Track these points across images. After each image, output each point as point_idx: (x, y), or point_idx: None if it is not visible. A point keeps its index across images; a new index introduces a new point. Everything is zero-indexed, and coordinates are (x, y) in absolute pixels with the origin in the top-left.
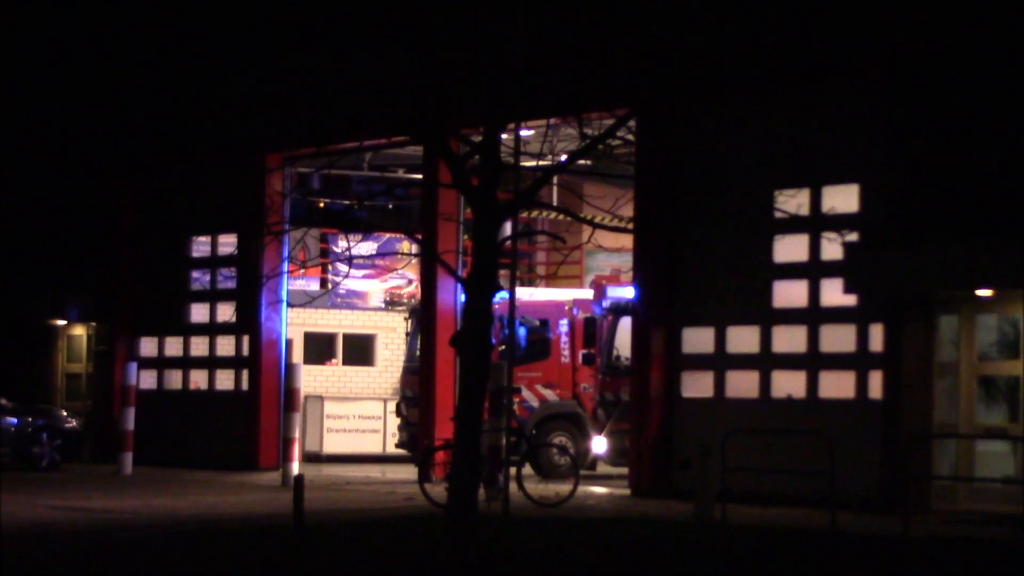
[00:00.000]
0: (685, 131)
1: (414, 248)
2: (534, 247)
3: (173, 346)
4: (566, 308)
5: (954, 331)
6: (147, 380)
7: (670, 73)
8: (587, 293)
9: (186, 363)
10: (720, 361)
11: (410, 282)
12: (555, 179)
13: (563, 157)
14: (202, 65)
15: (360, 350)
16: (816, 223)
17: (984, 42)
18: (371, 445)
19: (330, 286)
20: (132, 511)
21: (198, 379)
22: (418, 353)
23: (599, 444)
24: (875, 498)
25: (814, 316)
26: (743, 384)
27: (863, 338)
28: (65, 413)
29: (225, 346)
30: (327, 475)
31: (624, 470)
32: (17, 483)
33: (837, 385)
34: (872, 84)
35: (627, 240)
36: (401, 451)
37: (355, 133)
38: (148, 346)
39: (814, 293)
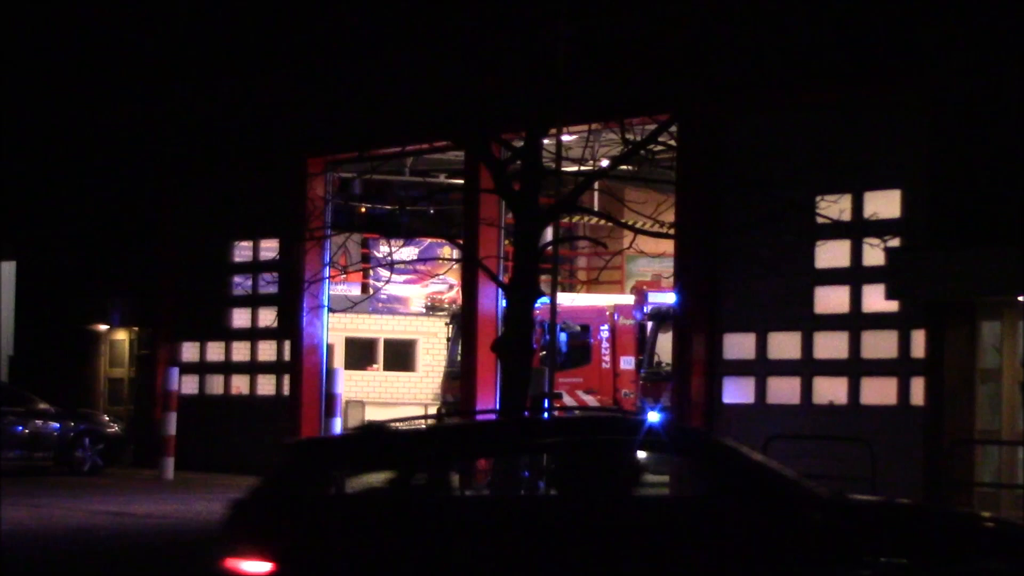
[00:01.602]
0: (727, 136)
1: (455, 253)
2: (575, 252)
3: (215, 351)
4: (607, 314)
5: (996, 337)
6: (189, 385)
7: (712, 79)
8: (628, 299)
9: (228, 368)
10: (761, 367)
11: (451, 287)
12: (596, 184)
13: (605, 162)
14: (245, 70)
15: (401, 355)
16: (858, 228)
17: (1022, 48)
18: None
19: (371, 291)
20: (174, 516)
21: (240, 384)
22: (459, 358)
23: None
24: None
25: (856, 322)
26: (784, 390)
27: (905, 344)
28: (107, 417)
29: (267, 351)
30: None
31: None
32: (59, 487)
33: (879, 391)
34: (914, 90)
35: (668, 245)
36: None
37: (397, 138)
38: (190, 351)
39: (856, 299)
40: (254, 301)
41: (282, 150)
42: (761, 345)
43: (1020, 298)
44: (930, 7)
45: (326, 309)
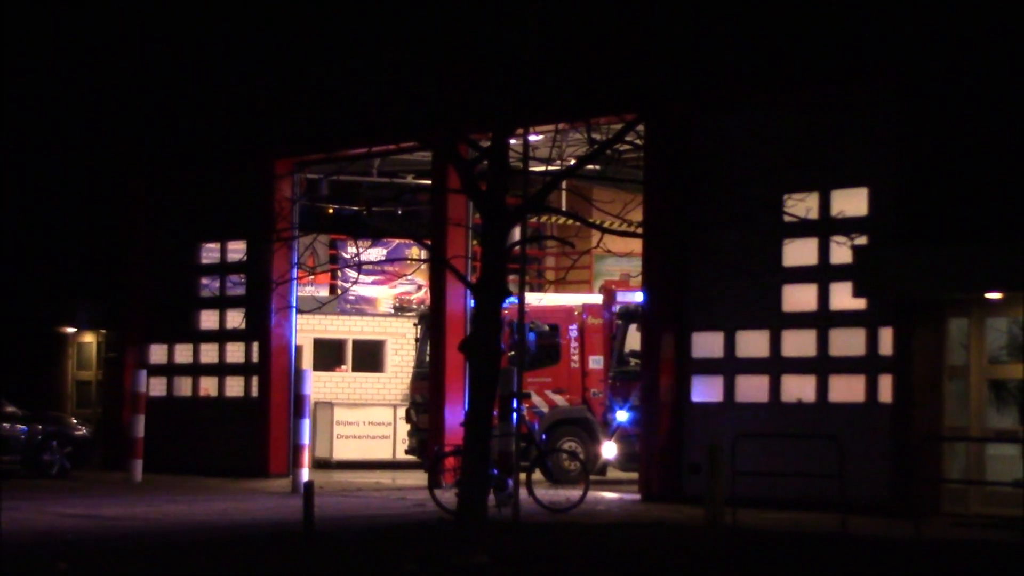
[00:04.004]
0: (694, 135)
1: (423, 254)
2: (543, 252)
3: (183, 353)
4: (575, 313)
5: (964, 334)
6: (157, 387)
7: (678, 78)
8: (597, 298)
9: (196, 370)
10: (730, 365)
11: (419, 288)
12: (564, 184)
13: (572, 162)
14: (211, 71)
15: (370, 356)
16: (825, 227)
17: (992, 46)
18: (381, 451)
19: (339, 292)
20: (142, 518)
21: (208, 386)
22: (428, 359)
23: (609, 449)
24: (885, 502)
25: (823, 320)
26: (753, 388)
27: (872, 341)
28: (75, 420)
29: (235, 353)
30: (337, 481)
31: (634, 475)
32: (27, 490)
33: (847, 389)
34: (881, 88)
35: (636, 245)
36: (411, 457)
37: (364, 139)
38: (158, 353)
39: (823, 297)
40: (222, 303)
41: (249, 151)
42: (729, 343)
43: (987, 295)
44: (898, 6)
45: (294, 310)
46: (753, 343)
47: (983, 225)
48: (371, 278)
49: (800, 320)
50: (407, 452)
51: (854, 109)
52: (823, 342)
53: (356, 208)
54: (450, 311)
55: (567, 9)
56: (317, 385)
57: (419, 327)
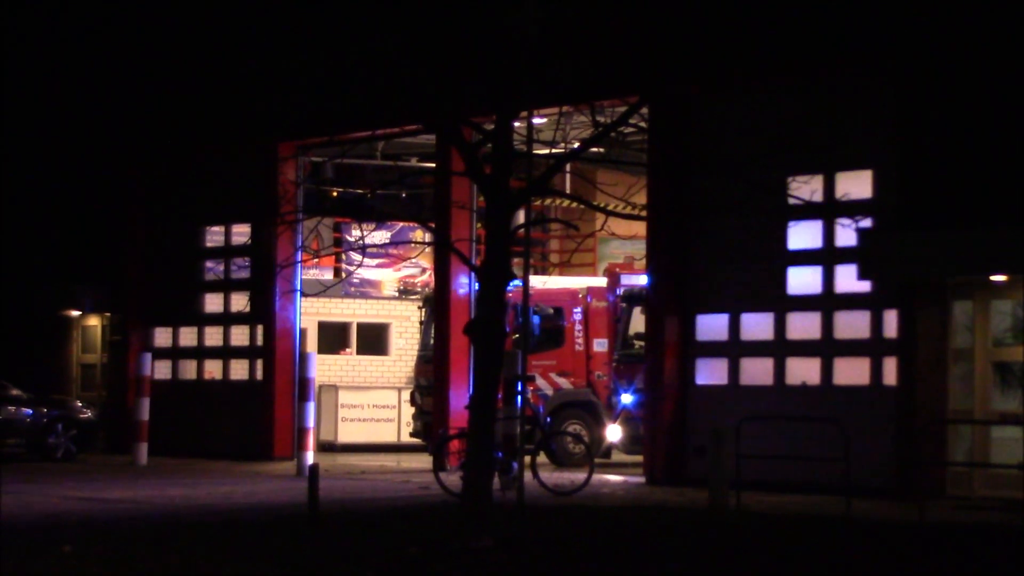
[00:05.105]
0: (698, 118)
1: (427, 237)
2: (547, 235)
3: (187, 336)
4: (580, 296)
5: (968, 317)
6: (161, 370)
7: (682, 60)
8: (601, 281)
9: (200, 353)
10: (734, 348)
11: (424, 271)
12: (568, 167)
13: (576, 144)
14: (214, 54)
15: (374, 339)
16: (830, 209)
17: (994, 29)
18: (386, 434)
19: (344, 275)
20: (147, 501)
21: (212, 369)
22: (432, 342)
23: (613, 432)
24: (890, 485)
25: (828, 302)
26: (757, 371)
27: (877, 324)
28: (80, 404)
29: (239, 336)
30: (342, 464)
31: (639, 458)
32: (33, 474)
33: (851, 371)
34: (885, 70)
35: (640, 227)
36: (416, 440)
37: (368, 121)
38: (162, 336)
39: (828, 279)
40: (226, 286)
41: (253, 134)
42: (734, 326)
43: (992, 278)
44: None
45: (298, 293)
46: (758, 326)
47: (988, 208)
48: (375, 261)
49: (805, 303)
50: (412, 435)
51: (857, 91)
52: (828, 325)
53: (360, 191)
54: (454, 294)
55: None
56: (321, 368)
57: (423, 310)
